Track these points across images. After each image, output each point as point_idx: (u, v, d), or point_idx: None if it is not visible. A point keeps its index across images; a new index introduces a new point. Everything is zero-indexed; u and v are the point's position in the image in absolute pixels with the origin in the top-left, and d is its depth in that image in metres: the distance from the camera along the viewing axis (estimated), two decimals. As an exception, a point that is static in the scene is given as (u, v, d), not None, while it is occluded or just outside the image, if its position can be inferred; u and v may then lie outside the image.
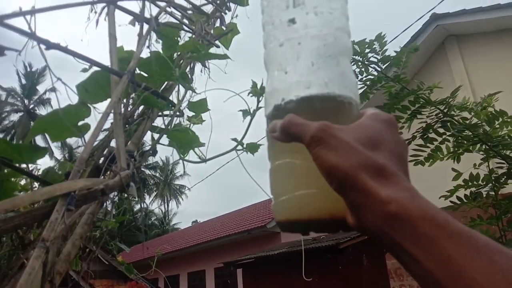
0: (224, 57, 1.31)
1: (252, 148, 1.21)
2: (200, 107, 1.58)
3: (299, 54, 0.49)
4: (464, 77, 8.61)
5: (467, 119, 2.14)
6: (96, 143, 1.11)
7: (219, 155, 1.22)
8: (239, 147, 1.17)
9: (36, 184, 1.58)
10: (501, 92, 2.14)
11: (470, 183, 2.33)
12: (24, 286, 0.49)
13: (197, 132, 1.51)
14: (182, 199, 38.08)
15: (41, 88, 29.34)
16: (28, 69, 28.55)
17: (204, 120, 1.65)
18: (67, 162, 1.24)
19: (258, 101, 1.15)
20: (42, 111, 29.28)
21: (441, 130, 2.12)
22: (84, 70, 1.48)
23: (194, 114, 1.60)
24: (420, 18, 8.31)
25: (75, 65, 1.20)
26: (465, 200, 2.31)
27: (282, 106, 0.48)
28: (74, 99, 1.21)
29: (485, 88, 7.82)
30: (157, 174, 34.79)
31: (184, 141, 1.20)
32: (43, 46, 0.77)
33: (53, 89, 1.21)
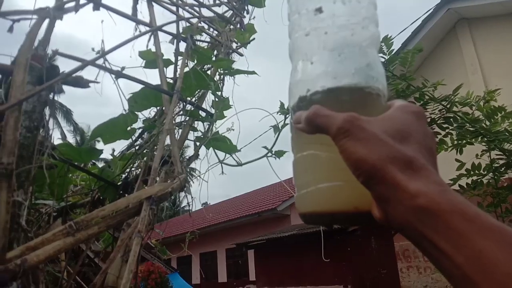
0: (252, 73, 1.50)
1: (279, 154, 1.41)
2: (223, 105, 1.79)
3: (325, 44, 0.48)
4: (475, 60, 8.56)
5: (469, 114, 2.30)
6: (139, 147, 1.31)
7: (252, 161, 1.42)
8: (269, 153, 1.39)
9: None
10: (501, 89, 2.30)
11: (472, 172, 2.50)
12: (132, 263, 0.71)
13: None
14: (193, 181, 38.59)
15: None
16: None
17: (225, 116, 1.85)
18: (116, 160, 1.45)
19: (285, 118, 1.35)
20: (57, 97, 29.63)
21: (445, 125, 2.29)
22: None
23: (217, 111, 1.80)
24: (434, 6, 8.23)
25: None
26: (466, 188, 2.49)
27: (308, 97, 0.47)
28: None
29: (496, 71, 7.84)
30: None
31: (223, 149, 1.41)
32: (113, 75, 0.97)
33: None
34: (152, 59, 1.63)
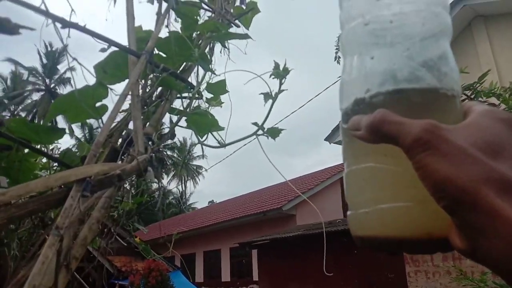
0: (245, 36, 1.26)
1: (273, 132, 1.16)
2: (218, 88, 1.55)
3: (390, 35, 0.40)
4: (491, 59, 8.33)
5: (495, 105, 2.05)
6: (114, 124, 1.09)
7: (238, 140, 1.18)
8: (259, 131, 1.14)
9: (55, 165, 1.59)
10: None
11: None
12: (38, 276, 0.48)
13: (216, 114, 1.48)
14: (199, 179, 38.81)
15: (61, 67, 29.82)
16: (49, 49, 28.91)
17: (223, 102, 1.61)
18: (86, 143, 1.23)
19: (280, 84, 1.10)
20: (63, 90, 29.88)
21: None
22: (103, 50, 1.46)
23: (212, 96, 1.56)
24: (450, 2, 8.02)
25: (95, 45, 1.17)
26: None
27: (367, 99, 0.40)
28: (92, 80, 1.19)
29: (512, 71, 7.55)
30: (175, 155, 35.31)
31: (203, 125, 1.17)
32: (59, 25, 0.75)
33: (72, 69, 1.20)
34: (143, 36, 1.40)
